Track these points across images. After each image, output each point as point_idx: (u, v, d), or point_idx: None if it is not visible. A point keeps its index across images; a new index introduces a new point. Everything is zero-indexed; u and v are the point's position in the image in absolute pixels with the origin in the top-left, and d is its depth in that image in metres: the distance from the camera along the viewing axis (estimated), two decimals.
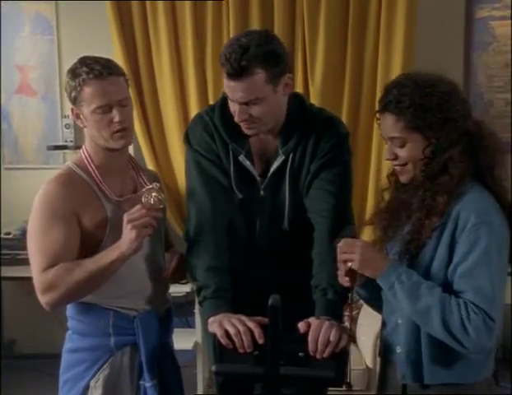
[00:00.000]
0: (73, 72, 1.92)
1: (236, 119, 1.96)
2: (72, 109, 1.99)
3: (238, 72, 1.87)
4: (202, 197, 2.07)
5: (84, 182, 1.96)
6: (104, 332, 1.98)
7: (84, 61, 1.93)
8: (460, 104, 1.71)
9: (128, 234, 1.84)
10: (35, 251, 1.92)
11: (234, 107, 1.97)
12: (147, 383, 2.00)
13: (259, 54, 1.87)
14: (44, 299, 1.91)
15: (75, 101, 1.94)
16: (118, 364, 2.00)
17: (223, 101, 2.10)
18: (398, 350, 1.76)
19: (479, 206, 1.65)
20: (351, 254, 1.71)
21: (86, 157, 1.99)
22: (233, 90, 1.92)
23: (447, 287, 1.65)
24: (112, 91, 1.93)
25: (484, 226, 1.62)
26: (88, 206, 1.93)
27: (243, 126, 2.00)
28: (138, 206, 1.87)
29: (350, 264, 1.71)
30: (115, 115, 1.92)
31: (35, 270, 1.91)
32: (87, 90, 1.90)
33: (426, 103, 1.68)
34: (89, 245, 1.93)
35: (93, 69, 1.90)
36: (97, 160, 1.99)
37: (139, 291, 2.02)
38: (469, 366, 1.71)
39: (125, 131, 1.95)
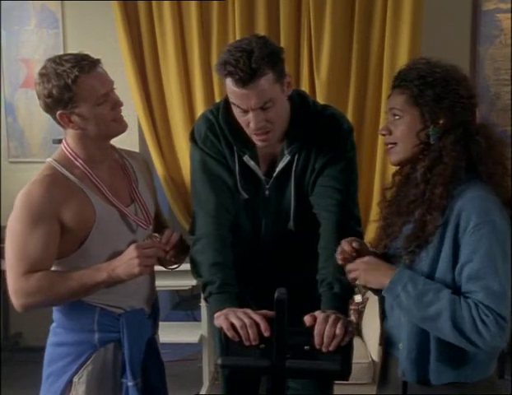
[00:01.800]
0: (55, 74, 1.86)
1: (254, 128, 1.93)
2: (60, 116, 1.90)
3: (250, 76, 1.84)
4: (207, 194, 2.06)
5: (68, 180, 1.93)
6: (88, 328, 1.97)
7: (59, 60, 1.88)
8: (465, 93, 1.71)
9: (131, 262, 1.86)
10: (15, 254, 1.89)
11: (244, 117, 1.93)
12: (129, 382, 1.98)
13: (265, 55, 1.86)
14: (18, 302, 1.90)
15: (68, 103, 1.87)
16: (102, 360, 1.99)
17: (227, 103, 2.08)
18: (401, 346, 1.76)
19: (480, 206, 1.64)
20: (355, 271, 1.75)
21: (70, 153, 1.96)
22: (245, 97, 1.88)
23: (455, 288, 1.64)
24: (106, 78, 1.94)
25: (486, 226, 1.61)
26: (72, 203, 1.90)
27: (256, 137, 1.97)
28: (150, 242, 1.94)
29: (357, 282, 1.76)
30: (116, 99, 1.95)
31: (14, 273, 1.88)
32: (86, 84, 1.87)
33: (430, 77, 1.69)
34: (72, 241, 1.92)
35: (81, 65, 1.86)
36: (84, 154, 1.96)
37: (127, 288, 1.99)
38: (475, 365, 1.70)
39: (121, 113, 1.98)
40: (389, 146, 1.79)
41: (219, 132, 2.07)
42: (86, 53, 1.94)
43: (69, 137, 1.98)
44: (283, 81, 1.94)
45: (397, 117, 1.75)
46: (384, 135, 1.80)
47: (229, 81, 1.89)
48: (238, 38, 3.84)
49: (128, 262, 1.87)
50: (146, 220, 2.05)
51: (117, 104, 1.95)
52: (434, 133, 1.71)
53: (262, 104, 1.89)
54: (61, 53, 4.23)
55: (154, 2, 3.99)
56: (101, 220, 1.93)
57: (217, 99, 3.95)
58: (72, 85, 1.85)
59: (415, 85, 1.70)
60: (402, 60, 3.76)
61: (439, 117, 1.70)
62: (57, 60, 1.89)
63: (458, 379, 1.70)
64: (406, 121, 1.73)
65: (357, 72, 3.92)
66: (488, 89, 4.25)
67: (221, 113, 2.07)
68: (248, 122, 1.94)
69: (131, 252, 1.88)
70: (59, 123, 1.94)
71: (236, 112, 1.96)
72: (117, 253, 1.92)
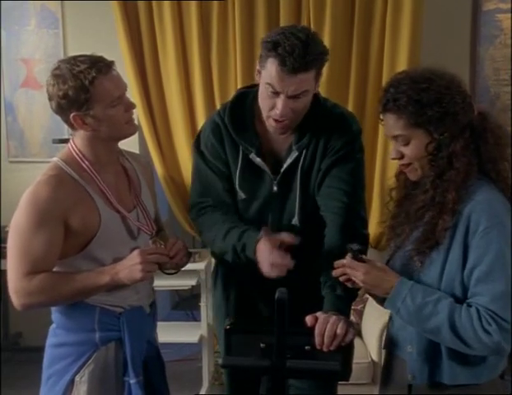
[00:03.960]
0: (71, 74, 1.84)
1: (278, 114, 1.95)
2: (74, 118, 1.88)
3: (301, 67, 1.88)
4: (209, 178, 2.13)
5: (75, 182, 1.92)
6: (89, 327, 1.96)
7: (74, 61, 1.86)
8: (459, 97, 1.70)
9: (134, 267, 1.86)
10: (19, 253, 1.88)
11: (272, 99, 1.95)
12: (132, 379, 1.98)
13: (318, 52, 1.91)
14: (19, 302, 1.90)
15: (83, 105, 1.85)
16: (103, 359, 1.98)
17: (234, 102, 2.11)
18: (409, 349, 1.76)
19: (490, 208, 1.64)
20: (356, 277, 1.74)
21: (77, 154, 1.94)
22: (287, 83, 1.90)
23: (462, 291, 1.65)
24: (121, 80, 1.94)
25: (495, 229, 1.61)
26: (78, 207, 1.89)
27: (275, 123, 1.99)
28: (153, 247, 1.93)
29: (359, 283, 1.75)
30: (129, 101, 1.94)
31: (16, 272, 1.88)
32: (102, 86, 1.85)
33: (424, 98, 1.67)
34: (75, 244, 1.92)
35: (98, 66, 1.85)
36: (92, 156, 1.95)
37: (126, 288, 1.98)
38: (487, 364, 1.71)
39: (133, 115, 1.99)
40: (404, 167, 1.78)
41: (224, 133, 2.09)
42: (99, 55, 1.92)
43: (78, 138, 1.96)
44: (319, 79, 1.99)
45: (403, 142, 1.73)
46: (396, 159, 1.78)
47: (274, 62, 1.90)
48: (238, 38, 3.87)
49: (130, 267, 1.87)
50: (148, 226, 2.05)
51: (130, 107, 1.95)
52: (443, 143, 1.69)
53: (297, 94, 1.92)
54: (61, 53, 4.33)
55: (154, 2, 3.99)
56: (105, 226, 1.92)
57: (217, 99, 3.97)
58: (89, 86, 1.83)
59: (410, 110, 1.68)
60: (402, 61, 3.77)
61: (443, 127, 1.68)
62: (71, 61, 1.87)
63: (471, 380, 1.70)
64: (414, 142, 1.72)
65: (357, 72, 3.92)
66: (488, 89, 4.24)
67: (228, 112, 2.09)
68: (273, 105, 1.95)
69: (134, 257, 1.88)
70: (71, 125, 1.93)
71: (265, 93, 1.96)
72: (118, 259, 1.92)
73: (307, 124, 2.05)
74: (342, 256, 1.80)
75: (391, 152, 1.80)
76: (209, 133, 2.11)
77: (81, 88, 1.84)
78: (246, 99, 2.10)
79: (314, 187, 2.08)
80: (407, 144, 1.73)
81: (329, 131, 2.06)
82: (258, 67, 2.00)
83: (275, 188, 2.09)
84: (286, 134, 2.05)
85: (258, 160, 2.07)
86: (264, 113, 2.01)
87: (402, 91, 1.70)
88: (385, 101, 1.74)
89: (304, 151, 2.06)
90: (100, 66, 1.86)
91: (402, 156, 1.75)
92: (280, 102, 1.93)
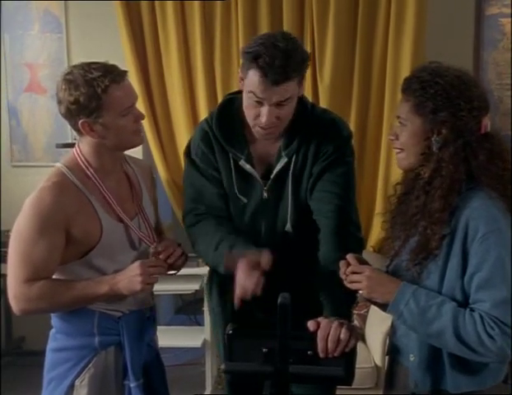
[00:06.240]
0: (84, 81, 1.83)
1: (264, 122, 1.95)
2: (82, 124, 1.87)
3: (283, 79, 1.88)
4: (201, 183, 2.12)
5: (77, 190, 1.92)
6: (89, 332, 1.97)
7: (88, 68, 1.86)
8: (468, 108, 1.67)
9: (134, 279, 1.86)
10: (19, 260, 1.88)
11: (256, 108, 1.95)
12: (132, 383, 1.98)
13: (299, 61, 1.91)
14: (18, 307, 1.90)
15: (93, 112, 1.85)
16: (103, 363, 1.99)
17: (221, 109, 2.12)
18: (412, 358, 1.75)
19: (487, 214, 1.63)
20: (358, 283, 1.73)
21: (82, 162, 1.94)
22: (270, 93, 1.90)
23: (463, 297, 1.64)
24: (132, 90, 1.94)
25: (494, 235, 1.61)
26: (80, 215, 1.89)
27: (262, 131, 1.99)
28: (154, 260, 1.94)
29: (360, 292, 1.74)
30: (138, 112, 1.95)
31: (16, 278, 1.88)
32: (115, 95, 1.85)
33: (431, 87, 1.68)
34: (75, 252, 1.92)
35: (112, 74, 1.86)
36: (97, 163, 1.95)
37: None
38: (490, 371, 1.70)
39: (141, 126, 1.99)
40: (396, 150, 1.80)
41: (213, 141, 2.09)
42: (113, 63, 1.92)
43: (84, 144, 1.96)
44: (303, 82, 1.98)
45: (402, 124, 1.75)
46: (392, 140, 1.80)
47: (255, 73, 1.89)
48: (241, 39, 3.86)
49: (130, 278, 1.88)
50: (149, 236, 2.05)
51: (139, 117, 1.95)
52: (436, 143, 1.70)
53: (281, 101, 1.92)
54: (65, 57, 4.35)
55: (157, 3, 4.00)
56: (107, 235, 1.92)
57: (219, 96, 3.96)
58: (101, 94, 1.83)
59: (416, 95, 1.70)
60: (406, 65, 3.77)
61: (440, 127, 1.69)
62: (85, 67, 1.86)
63: (475, 388, 1.70)
64: (409, 129, 1.73)
65: (360, 76, 3.93)
66: (491, 93, 4.23)
67: (215, 119, 2.09)
68: (257, 114, 1.95)
69: (135, 268, 1.88)
70: (78, 131, 1.92)
71: (249, 102, 1.96)
72: (119, 268, 1.92)
73: (295, 130, 2.05)
74: (337, 259, 1.80)
75: (390, 132, 1.82)
76: (199, 141, 2.11)
77: (94, 95, 1.83)
78: (233, 105, 2.10)
79: (305, 192, 2.08)
80: (403, 127, 1.74)
81: (320, 136, 2.06)
82: (240, 75, 1.99)
83: (265, 195, 2.09)
84: (273, 139, 2.05)
85: (247, 166, 2.07)
86: (250, 122, 2.00)
87: (419, 76, 1.72)
88: (404, 80, 1.77)
89: (294, 157, 2.06)
90: (113, 74, 1.86)
91: (396, 138, 1.78)
92: (264, 111, 1.93)
